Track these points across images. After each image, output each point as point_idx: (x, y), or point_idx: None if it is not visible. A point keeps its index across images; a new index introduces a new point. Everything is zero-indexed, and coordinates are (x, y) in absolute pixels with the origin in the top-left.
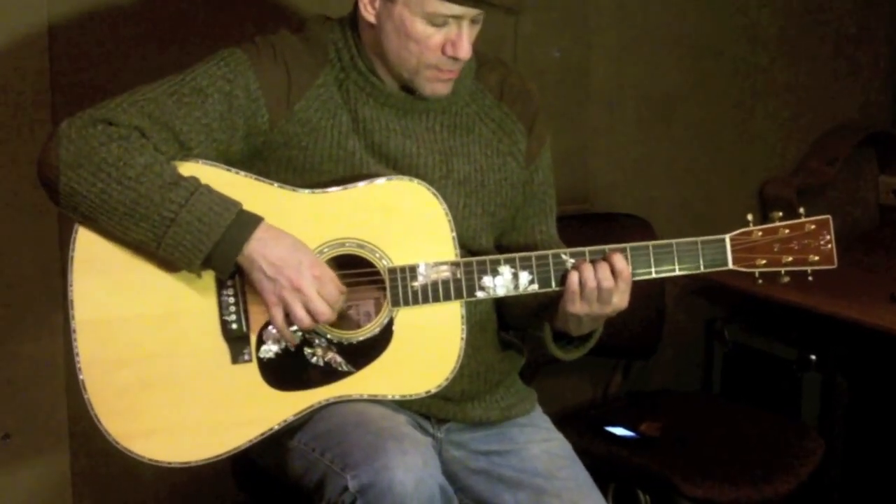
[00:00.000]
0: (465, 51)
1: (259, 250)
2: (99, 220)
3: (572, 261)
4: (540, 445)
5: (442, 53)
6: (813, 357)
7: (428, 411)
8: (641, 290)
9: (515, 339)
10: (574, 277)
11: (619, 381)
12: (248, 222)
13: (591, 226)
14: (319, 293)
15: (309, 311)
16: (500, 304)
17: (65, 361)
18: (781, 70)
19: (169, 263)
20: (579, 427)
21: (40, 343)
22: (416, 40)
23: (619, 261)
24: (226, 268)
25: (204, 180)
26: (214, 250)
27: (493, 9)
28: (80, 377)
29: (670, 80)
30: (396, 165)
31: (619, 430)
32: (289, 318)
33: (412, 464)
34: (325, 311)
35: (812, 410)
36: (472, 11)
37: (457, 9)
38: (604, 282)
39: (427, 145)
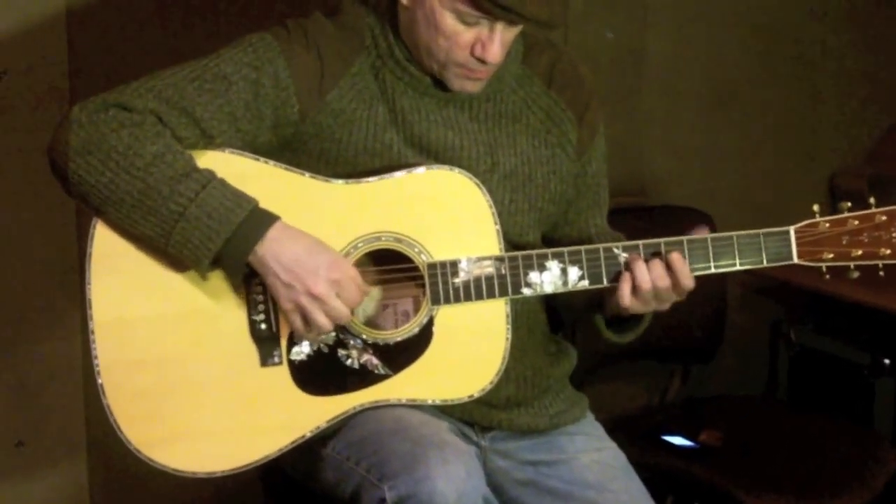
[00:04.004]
0: (494, 54)
1: (273, 252)
2: (108, 212)
3: (625, 255)
4: (591, 455)
5: (471, 54)
6: (887, 361)
7: (471, 418)
8: (701, 289)
9: (566, 342)
10: (627, 286)
11: (677, 387)
12: (262, 221)
13: (646, 219)
14: (339, 297)
15: (330, 317)
16: (549, 297)
17: (82, 363)
18: (852, 52)
19: (182, 262)
20: (634, 436)
21: (56, 344)
22: (445, 35)
23: (678, 261)
24: (236, 270)
25: (230, 170)
26: (224, 249)
27: (524, 21)
28: (99, 381)
29: (732, 63)
30: (438, 159)
31: (677, 440)
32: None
33: (454, 474)
34: (346, 317)
35: (886, 418)
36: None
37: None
38: (658, 281)
39: (471, 136)
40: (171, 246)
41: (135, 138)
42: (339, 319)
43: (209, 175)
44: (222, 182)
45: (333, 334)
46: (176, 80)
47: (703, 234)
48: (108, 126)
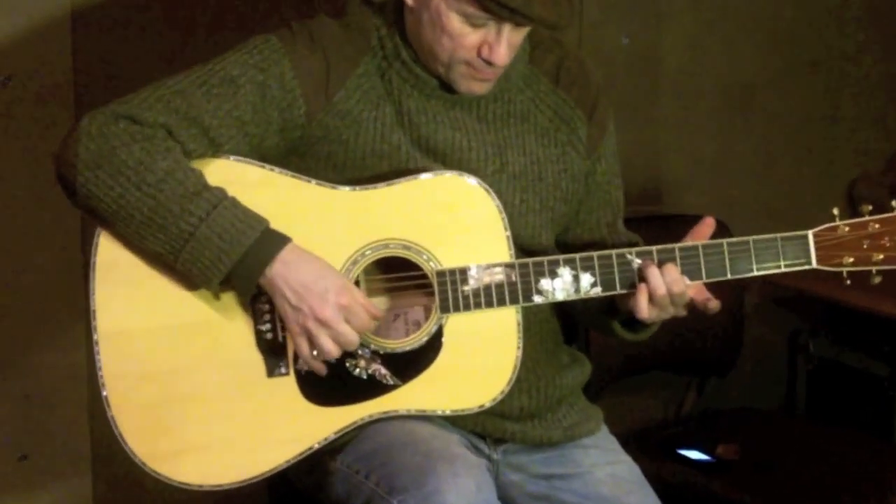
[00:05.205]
0: (500, 56)
1: (282, 274)
2: (117, 226)
3: (638, 261)
4: (606, 469)
5: (477, 55)
6: None
7: (483, 430)
8: (718, 300)
9: (580, 353)
10: (643, 297)
11: (694, 399)
12: (274, 243)
13: (662, 228)
14: (348, 322)
15: (337, 342)
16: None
17: (87, 375)
18: (871, 56)
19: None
20: (649, 449)
21: (60, 355)
22: (451, 36)
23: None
24: (247, 290)
25: (235, 178)
26: (234, 270)
27: (530, 22)
28: (104, 393)
29: (749, 69)
30: (446, 160)
31: (693, 453)
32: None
33: (464, 488)
34: (354, 342)
35: None
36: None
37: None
38: (674, 286)
39: (478, 137)
40: (179, 264)
41: (146, 153)
42: (347, 345)
43: (220, 194)
44: (234, 202)
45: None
46: (183, 86)
47: (708, 226)
48: (118, 139)
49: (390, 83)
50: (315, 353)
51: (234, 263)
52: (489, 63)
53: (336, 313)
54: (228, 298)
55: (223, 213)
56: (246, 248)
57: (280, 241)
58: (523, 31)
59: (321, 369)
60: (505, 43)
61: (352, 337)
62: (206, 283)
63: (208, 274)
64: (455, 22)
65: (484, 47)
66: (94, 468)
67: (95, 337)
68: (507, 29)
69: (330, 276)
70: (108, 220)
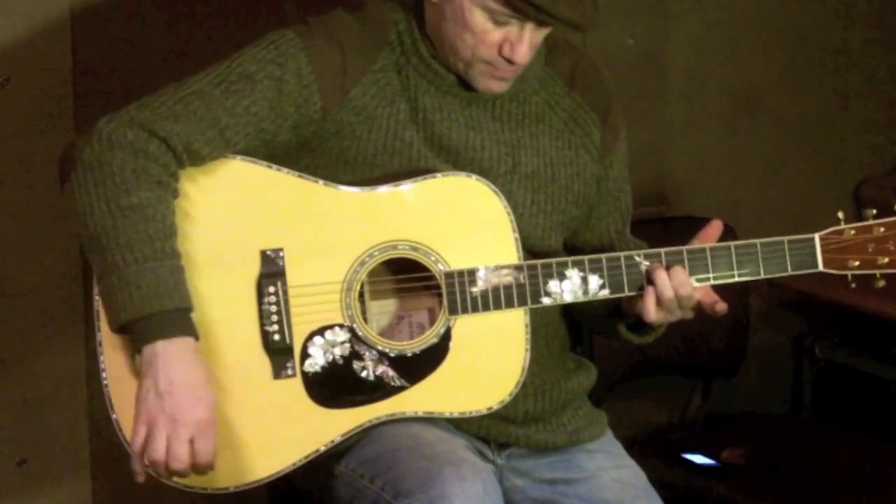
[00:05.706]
0: (522, 55)
1: (165, 360)
2: (78, 227)
3: (646, 263)
4: (610, 473)
5: (498, 53)
6: None
7: (487, 434)
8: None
9: (584, 358)
10: (651, 300)
11: (698, 403)
12: (181, 326)
13: (668, 230)
14: (192, 442)
15: (170, 452)
16: (567, 306)
17: (87, 379)
18: (878, 58)
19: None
20: (654, 454)
21: (59, 358)
22: (473, 32)
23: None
24: (140, 346)
25: (241, 179)
26: (133, 325)
27: (555, 21)
28: (107, 395)
29: (756, 70)
30: (458, 160)
31: (698, 458)
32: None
33: (471, 492)
34: (184, 463)
35: None
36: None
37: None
38: (681, 289)
39: (492, 136)
40: (99, 291)
41: (135, 175)
42: (174, 460)
43: (171, 253)
44: (178, 269)
45: (348, 346)
46: (202, 86)
47: (716, 228)
48: (122, 150)
49: (407, 79)
50: (145, 448)
51: (131, 318)
52: (510, 61)
53: (192, 425)
54: (234, 299)
55: (158, 269)
56: (149, 311)
57: (189, 329)
58: (545, 31)
59: (140, 474)
60: (527, 42)
61: (183, 458)
62: (110, 322)
63: (110, 314)
64: (478, 18)
65: (505, 45)
66: (94, 472)
67: (99, 338)
68: (529, 28)
69: (206, 393)
70: (77, 220)
